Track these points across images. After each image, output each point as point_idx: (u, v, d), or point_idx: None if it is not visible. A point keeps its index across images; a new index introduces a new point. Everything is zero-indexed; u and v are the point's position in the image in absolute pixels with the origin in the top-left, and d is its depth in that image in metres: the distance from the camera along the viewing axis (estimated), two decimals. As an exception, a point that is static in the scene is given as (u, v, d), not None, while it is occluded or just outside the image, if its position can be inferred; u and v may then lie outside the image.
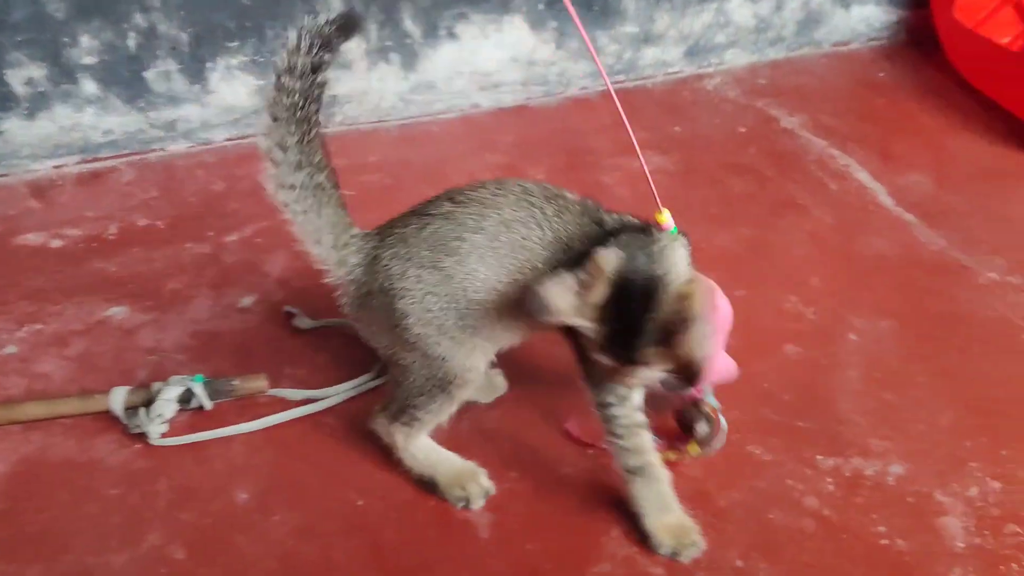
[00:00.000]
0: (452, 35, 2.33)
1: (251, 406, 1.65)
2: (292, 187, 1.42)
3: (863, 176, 2.27)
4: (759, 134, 2.44)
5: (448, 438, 1.55)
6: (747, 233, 2.07)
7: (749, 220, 2.12)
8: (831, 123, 2.49)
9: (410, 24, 2.27)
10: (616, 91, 2.53)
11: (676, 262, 1.33)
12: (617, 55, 2.57)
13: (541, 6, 2.39)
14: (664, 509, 1.45)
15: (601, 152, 2.34)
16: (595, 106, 2.53)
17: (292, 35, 1.34)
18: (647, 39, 2.58)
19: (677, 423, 1.59)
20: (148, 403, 1.61)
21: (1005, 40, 2.94)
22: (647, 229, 1.43)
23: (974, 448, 1.60)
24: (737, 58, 2.76)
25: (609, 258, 1.28)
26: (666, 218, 1.45)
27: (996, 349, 1.81)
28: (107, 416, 1.62)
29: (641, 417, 1.45)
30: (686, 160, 2.33)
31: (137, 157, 2.29)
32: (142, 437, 1.59)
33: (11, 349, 1.78)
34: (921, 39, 2.95)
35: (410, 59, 2.32)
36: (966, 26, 2.79)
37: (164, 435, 1.59)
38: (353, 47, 2.24)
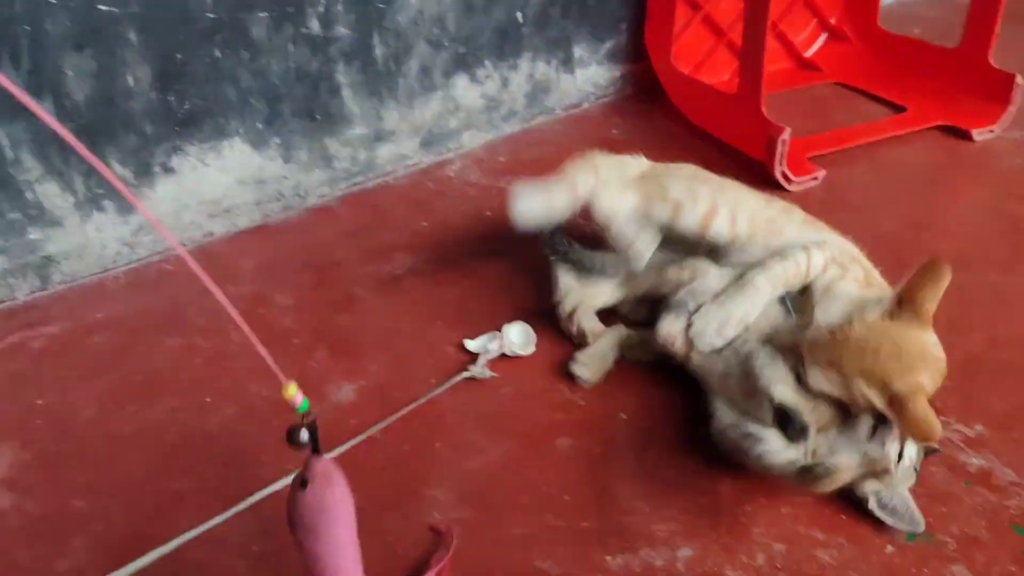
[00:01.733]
0: (168, 170, 2.20)
1: None
2: None
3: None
4: (506, 216, 2.41)
5: None
6: (504, 322, 2.02)
7: (506, 308, 2.08)
8: (574, 191, 2.50)
9: (119, 168, 2.12)
10: (358, 191, 2.52)
11: None
12: (351, 158, 2.50)
13: (259, 124, 2.29)
14: None
15: (350, 262, 2.26)
16: (337, 214, 2.45)
17: None
18: (379, 137, 2.53)
19: None
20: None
21: (724, 78, 3.08)
22: None
23: (755, 512, 1.60)
24: (474, 139, 2.75)
25: None
26: (292, 393, 1.31)
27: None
28: None
29: None
30: (437, 255, 2.28)
31: None
32: None
33: None
34: (647, 89, 3.04)
35: (126, 202, 2.17)
36: (684, 73, 2.90)
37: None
38: (60, 203, 2.08)
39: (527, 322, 2.00)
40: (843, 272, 1.76)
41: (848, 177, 2.60)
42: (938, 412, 1.75)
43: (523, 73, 2.77)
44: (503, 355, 1.93)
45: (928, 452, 1.64)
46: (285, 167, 2.39)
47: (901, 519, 1.55)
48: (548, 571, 1.51)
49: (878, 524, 1.57)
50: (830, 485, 1.52)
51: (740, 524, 1.59)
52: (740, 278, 1.76)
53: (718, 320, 1.74)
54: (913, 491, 1.61)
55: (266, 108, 2.29)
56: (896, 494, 1.56)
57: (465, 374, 1.88)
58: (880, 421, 1.55)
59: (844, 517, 1.59)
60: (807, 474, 1.52)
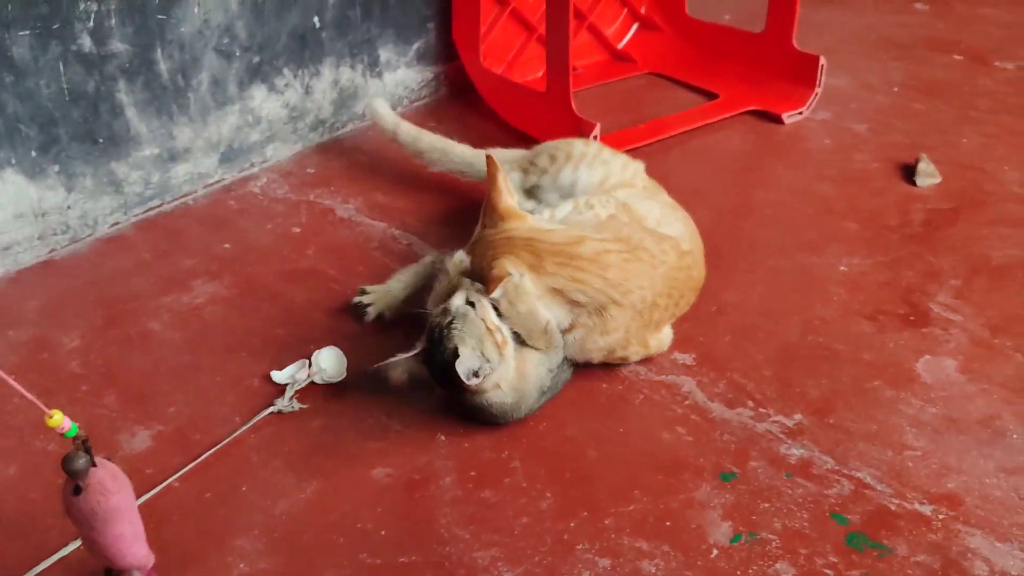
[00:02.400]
0: (-73, 210, 1.99)
1: None
2: None
3: (432, 254, 2.18)
4: (316, 230, 2.31)
5: None
6: (314, 347, 1.90)
7: (315, 332, 1.97)
8: (386, 202, 2.41)
9: None
10: (155, 216, 2.35)
11: None
12: (144, 181, 2.33)
13: (34, 152, 2.10)
14: None
15: (146, 295, 2.09)
16: (131, 242, 2.28)
17: None
18: (173, 157, 2.37)
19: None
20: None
21: (538, 75, 3.04)
22: None
23: (578, 528, 1.55)
24: (280, 152, 2.61)
25: None
26: (58, 421, 1.29)
27: (587, 414, 1.78)
28: None
29: None
30: (241, 280, 2.14)
31: None
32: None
33: None
34: (462, 90, 2.97)
35: None
36: (493, 72, 2.83)
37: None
38: None
39: (338, 345, 1.88)
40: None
41: (664, 168, 2.57)
42: (757, 404, 1.75)
43: (327, 80, 2.65)
44: (312, 383, 1.82)
45: None
46: (68, 196, 2.20)
47: None
48: (363, 616, 1.42)
49: (702, 528, 1.54)
50: None
51: (563, 542, 1.52)
52: None
53: None
54: (734, 489, 1.59)
55: (39, 134, 2.10)
56: None
57: (272, 409, 1.76)
58: None
59: (668, 524, 1.55)
60: None
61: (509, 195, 1.78)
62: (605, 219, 1.87)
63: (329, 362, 1.84)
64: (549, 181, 2.05)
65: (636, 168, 2.12)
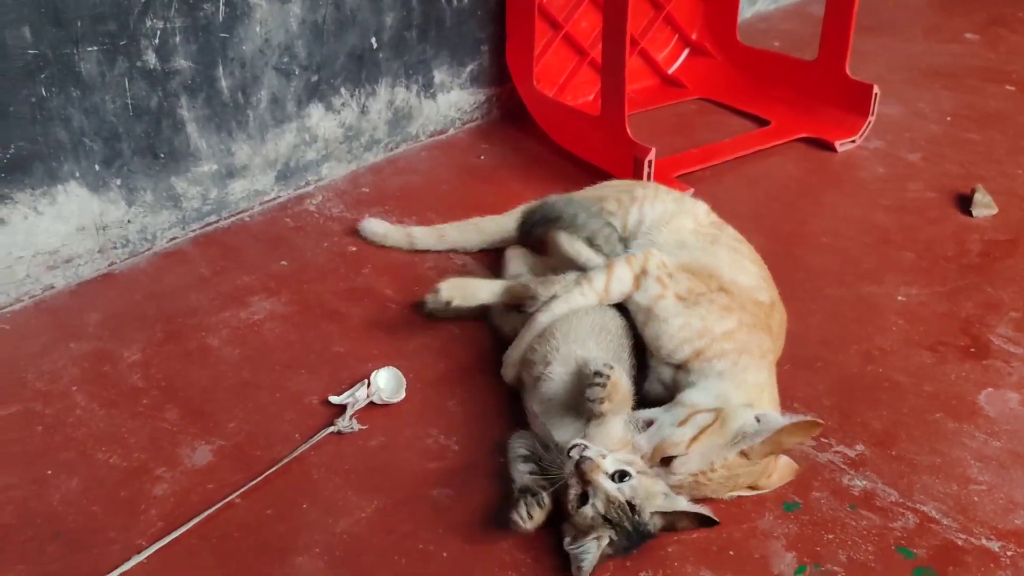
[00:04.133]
0: (-4, 221, 2.02)
1: None
2: None
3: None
4: (371, 250, 2.31)
5: None
6: (372, 366, 1.90)
7: (373, 350, 1.97)
8: (440, 221, 2.41)
9: (-63, 221, 1.94)
10: (212, 232, 2.37)
11: None
12: (202, 197, 2.35)
13: (97, 166, 2.12)
14: None
15: (204, 310, 2.11)
16: (189, 257, 2.30)
17: None
18: (231, 173, 2.39)
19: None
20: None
21: (589, 98, 3.04)
22: None
23: (641, 555, 1.53)
24: (335, 170, 2.63)
25: None
26: None
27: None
28: None
29: None
30: (299, 297, 2.15)
31: None
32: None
33: None
34: (513, 112, 2.98)
35: (-51, 256, 1.99)
36: (547, 95, 2.84)
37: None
38: None
39: (396, 366, 1.88)
40: (663, 289, 1.77)
41: (717, 194, 2.56)
42: (820, 434, 1.73)
43: (382, 100, 2.67)
44: (371, 403, 1.82)
45: (701, 522, 1.52)
46: (129, 210, 2.22)
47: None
48: (427, 639, 1.41)
49: (765, 558, 1.52)
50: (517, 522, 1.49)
51: (626, 568, 1.52)
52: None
53: (510, 357, 1.84)
54: (797, 519, 1.58)
55: (103, 148, 2.13)
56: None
57: (331, 429, 1.76)
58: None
59: (731, 553, 1.54)
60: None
61: None
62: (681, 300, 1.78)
63: (388, 383, 1.84)
64: (619, 223, 2.01)
65: (696, 205, 2.08)
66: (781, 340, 1.86)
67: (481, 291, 1.92)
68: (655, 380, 1.76)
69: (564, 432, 1.60)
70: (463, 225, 2.29)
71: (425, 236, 2.30)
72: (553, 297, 1.81)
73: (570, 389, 1.64)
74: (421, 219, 2.44)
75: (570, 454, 1.50)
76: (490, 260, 2.25)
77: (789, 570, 1.51)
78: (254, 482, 1.65)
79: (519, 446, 1.66)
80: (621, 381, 1.55)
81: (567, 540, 1.50)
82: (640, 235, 1.97)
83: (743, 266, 1.89)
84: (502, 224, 2.24)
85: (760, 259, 1.97)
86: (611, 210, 2.02)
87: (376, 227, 2.33)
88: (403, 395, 1.84)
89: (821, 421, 1.60)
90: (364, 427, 1.77)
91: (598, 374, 1.52)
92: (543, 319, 1.79)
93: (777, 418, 1.58)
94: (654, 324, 1.75)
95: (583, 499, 1.47)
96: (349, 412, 1.78)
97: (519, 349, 1.81)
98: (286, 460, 1.69)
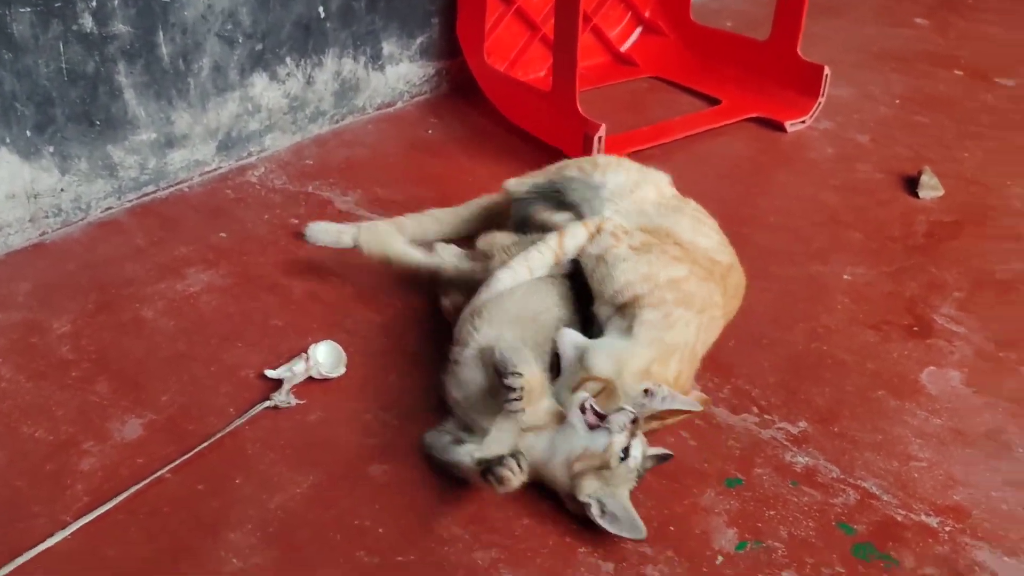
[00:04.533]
0: (-81, 186, 1.94)
1: None
2: None
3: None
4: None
5: None
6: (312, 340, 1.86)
7: (313, 323, 1.93)
8: (385, 195, 2.37)
9: None
10: (149, 202, 2.31)
11: None
12: (140, 166, 2.28)
13: (29, 132, 2.05)
14: None
15: (139, 281, 2.05)
16: (125, 227, 2.23)
17: None
18: (170, 142, 2.32)
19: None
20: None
21: (540, 74, 3.01)
22: None
23: (580, 529, 1.51)
24: (278, 142, 2.57)
25: None
26: None
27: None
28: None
29: None
30: (238, 270, 2.09)
31: None
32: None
33: None
34: (463, 86, 2.93)
35: None
36: (498, 70, 2.80)
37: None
38: None
39: (337, 340, 1.84)
40: (616, 241, 1.78)
41: (667, 172, 2.55)
42: (762, 411, 1.72)
43: (329, 71, 2.61)
44: (310, 378, 1.78)
45: (661, 459, 1.58)
46: (62, 178, 2.15)
47: (622, 526, 1.47)
48: (359, 617, 1.38)
49: (706, 534, 1.51)
50: (509, 479, 1.43)
51: (565, 544, 1.49)
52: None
53: (469, 310, 1.77)
54: (738, 495, 1.57)
55: (35, 113, 2.06)
56: (616, 499, 1.48)
57: (267, 403, 1.71)
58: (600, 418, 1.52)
59: (672, 529, 1.52)
60: (486, 469, 1.45)
61: None
62: (639, 246, 1.79)
63: (327, 356, 1.80)
64: (581, 186, 1.98)
65: (660, 176, 2.06)
66: (737, 302, 1.86)
67: (395, 244, 1.94)
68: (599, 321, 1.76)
69: (488, 416, 1.57)
70: (420, 217, 2.18)
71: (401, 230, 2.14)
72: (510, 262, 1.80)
73: (485, 375, 1.61)
74: (366, 192, 2.40)
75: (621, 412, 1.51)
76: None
77: (730, 546, 1.49)
78: (186, 456, 1.60)
79: (443, 438, 1.62)
80: (533, 381, 1.52)
81: (596, 510, 1.47)
82: (606, 198, 1.95)
83: (704, 231, 1.89)
84: (460, 215, 2.19)
85: (722, 233, 1.96)
86: (572, 176, 2.00)
87: (326, 230, 2.03)
88: (343, 370, 1.80)
89: (702, 407, 1.64)
90: (302, 402, 1.73)
91: (510, 388, 1.49)
92: (504, 276, 1.76)
93: (664, 395, 1.58)
94: (602, 268, 1.75)
95: (625, 452, 1.48)
96: (286, 386, 1.74)
97: (477, 304, 1.77)
98: (220, 435, 1.65)
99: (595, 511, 1.47)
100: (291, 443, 1.65)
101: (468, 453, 1.54)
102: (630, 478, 1.50)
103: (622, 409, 1.52)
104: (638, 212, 1.90)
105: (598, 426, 1.51)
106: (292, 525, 1.50)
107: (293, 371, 1.76)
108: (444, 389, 1.68)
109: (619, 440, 1.48)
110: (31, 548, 1.44)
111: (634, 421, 1.51)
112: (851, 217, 2.42)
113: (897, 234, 2.35)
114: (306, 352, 1.79)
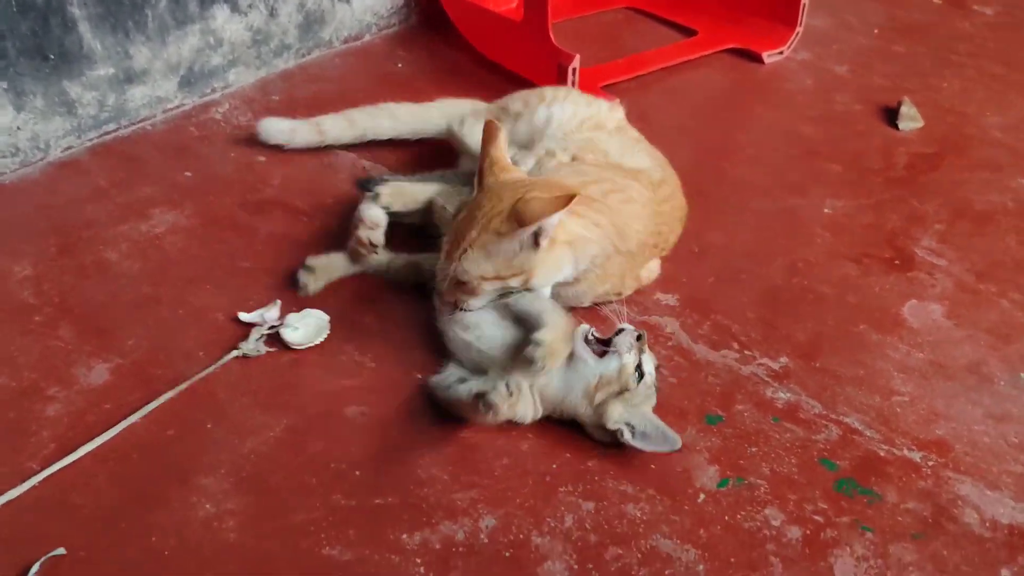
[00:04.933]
0: None
1: None
2: None
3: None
4: (280, 160, 2.19)
5: None
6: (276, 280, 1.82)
7: (280, 263, 1.87)
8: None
9: None
10: (110, 141, 2.22)
11: None
12: (99, 103, 2.20)
13: (-23, 68, 1.96)
14: None
15: (101, 223, 1.98)
16: (86, 168, 2.15)
17: None
18: (129, 78, 2.23)
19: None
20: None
21: (512, 5, 2.93)
22: None
23: (560, 470, 1.50)
24: (243, 77, 2.48)
25: None
26: None
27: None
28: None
29: None
30: (203, 210, 2.03)
31: None
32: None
33: None
34: (433, 18, 2.84)
35: None
36: (468, 0, 2.72)
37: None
38: None
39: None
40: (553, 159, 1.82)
41: (643, 105, 2.50)
42: (742, 347, 1.70)
43: (293, 2, 2.51)
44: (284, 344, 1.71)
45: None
46: (17, 116, 2.06)
47: (655, 441, 1.48)
48: (337, 558, 1.35)
49: (688, 472, 1.49)
50: (502, 406, 1.44)
51: (545, 484, 1.47)
52: None
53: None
54: (720, 432, 1.55)
55: (-15, 48, 1.97)
56: (644, 417, 1.49)
57: (236, 352, 1.66)
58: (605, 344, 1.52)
59: (653, 467, 1.50)
60: (478, 395, 1.45)
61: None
62: (568, 162, 1.79)
63: (307, 326, 1.73)
64: (524, 125, 1.95)
65: (608, 108, 2.03)
66: (673, 227, 1.85)
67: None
68: None
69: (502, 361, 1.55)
70: (375, 111, 2.18)
71: (334, 124, 2.18)
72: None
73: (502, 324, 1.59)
74: (335, 129, 2.32)
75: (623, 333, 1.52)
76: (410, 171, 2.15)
77: (712, 483, 1.48)
78: (156, 403, 1.56)
79: (449, 378, 1.59)
80: (557, 342, 1.49)
81: (627, 434, 1.48)
82: (547, 137, 1.91)
83: (636, 154, 1.87)
84: (418, 114, 2.16)
85: (665, 161, 1.94)
86: (517, 110, 1.96)
87: (279, 125, 2.17)
88: (324, 337, 1.73)
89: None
90: (271, 350, 1.68)
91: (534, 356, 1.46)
92: None
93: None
94: None
95: (640, 371, 1.50)
96: (254, 334, 1.68)
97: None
98: (189, 383, 1.60)
99: (627, 435, 1.47)
100: (263, 386, 1.61)
101: (468, 390, 1.51)
102: (650, 394, 1.51)
103: (622, 330, 1.51)
104: (582, 143, 1.87)
105: (605, 352, 1.50)
106: (266, 469, 1.47)
107: (264, 317, 1.71)
108: (444, 331, 1.64)
109: (630, 360, 1.49)
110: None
111: (639, 337, 1.51)
112: (830, 149, 2.39)
113: (877, 166, 2.32)
114: (277, 300, 1.74)
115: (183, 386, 1.59)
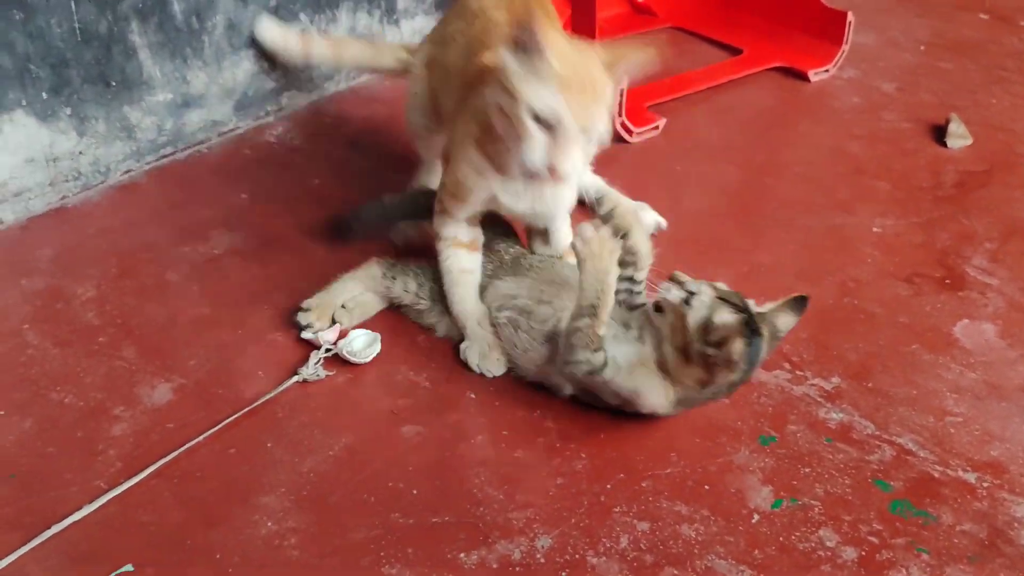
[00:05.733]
0: (-60, 152, 1.92)
1: None
2: None
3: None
4: (337, 183, 2.23)
5: None
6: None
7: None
8: (407, 153, 2.33)
9: None
10: (168, 164, 2.28)
11: None
12: (157, 127, 2.26)
13: (45, 95, 2.02)
14: None
15: (161, 245, 2.03)
16: (145, 190, 2.21)
17: None
18: (187, 103, 2.29)
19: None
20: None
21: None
22: None
23: (615, 490, 1.51)
24: (295, 100, 2.53)
25: None
26: None
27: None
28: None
29: None
30: (260, 231, 2.07)
31: None
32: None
33: None
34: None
35: None
36: (516, 22, 2.74)
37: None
38: None
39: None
40: None
41: (689, 124, 2.52)
42: (794, 367, 1.71)
43: (343, 26, 2.56)
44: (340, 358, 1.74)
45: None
46: (80, 141, 2.13)
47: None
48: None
49: (741, 492, 1.50)
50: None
51: (600, 504, 1.48)
52: None
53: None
54: (773, 453, 1.56)
55: (51, 75, 2.03)
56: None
57: (295, 378, 1.69)
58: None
59: (707, 488, 1.51)
60: None
61: None
62: None
63: (360, 343, 1.76)
64: None
65: None
66: None
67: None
68: None
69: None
70: (362, 44, 2.39)
71: (323, 50, 2.35)
72: None
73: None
74: (388, 151, 2.36)
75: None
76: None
77: (765, 504, 1.49)
78: (218, 427, 1.59)
79: None
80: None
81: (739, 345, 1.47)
82: None
83: None
84: (398, 55, 2.24)
85: None
86: None
87: (273, 32, 2.36)
88: (378, 351, 1.76)
89: None
90: (331, 373, 1.71)
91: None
92: None
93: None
94: None
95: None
96: (313, 359, 1.71)
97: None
98: (251, 407, 1.63)
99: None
100: (321, 406, 1.65)
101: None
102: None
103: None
104: None
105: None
106: (325, 488, 1.50)
107: (324, 339, 1.74)
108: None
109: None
110: (66, 516, 1.43)
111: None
112: (877, 167, 2.39)
113: (926, 184, 2.31)
114: (337, 323, 1.77)
115: (245, 410, 1.62)
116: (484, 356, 1.70)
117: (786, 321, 1.53)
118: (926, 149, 2.47)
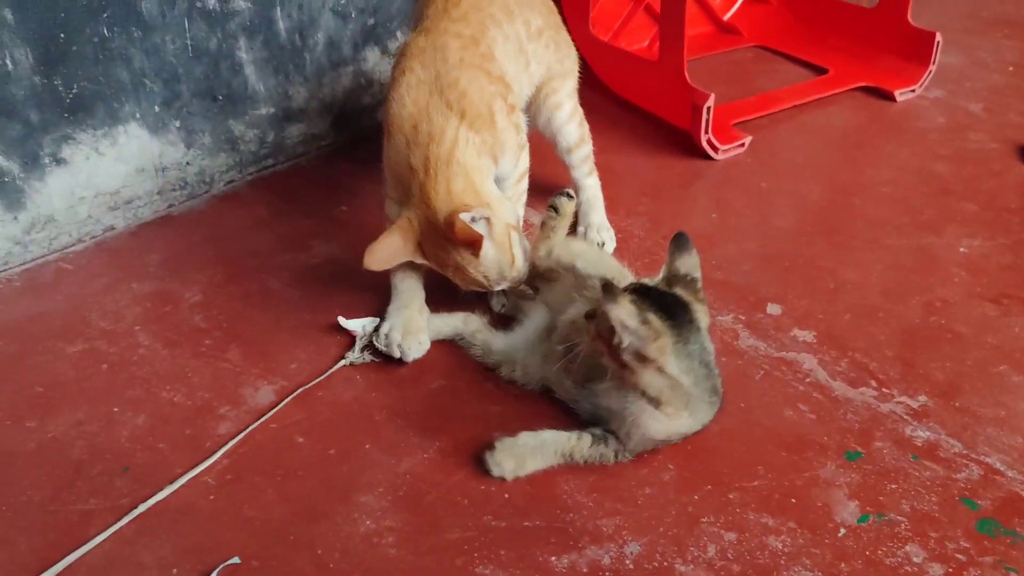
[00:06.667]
0: (59, 160, 2.03)
1: None
2: None
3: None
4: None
5: None
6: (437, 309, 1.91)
7: (438, 294, 1.97)
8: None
9: (2, 160, 1.95)
10: (269, 175, 2.38)
11: None
12: (259, 140, 2.36)
13: (157, 108, 2.13)
14: None
15: (264, 252, 2.12)
16: (247, 200, 2.30)
17: None
18: (288, 117, 2.39)
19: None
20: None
21: (644, 44, 3.00)
22: None
23: (702, 501, 1.54)
24: (389, 115, 2.61)
25: None
26: None
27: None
28: None
29: None
30: (360, 242, 2.08)
31: None
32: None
33: None
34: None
35: (14, 197, 2.00)
36: (603, 40, 2.80)
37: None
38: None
39: (455, 310, 1.90)
40: None
41: (774, 142, 2.54)
42: (880, 384, 1.72)
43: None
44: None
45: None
46: (187, 152, 2.24)
47: None
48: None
49: (828, 507, 1.52)
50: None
51: (687, 514, 1.52)
52: None
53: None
54: (859, 468, 1.58)
55: (163, 89, 2.14)
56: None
57: (343, 362, 1.81)
58: None
59: (794, 501, 1.54)
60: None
61: None
62: None
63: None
64: None
65: None
66: None
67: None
68: None
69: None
70: None
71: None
72: None
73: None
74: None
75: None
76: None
77: (852, 518, 1.51)
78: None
79: None
80: None
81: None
82: None
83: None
84: None
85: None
86: None
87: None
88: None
89: None
90: (376, 360, 1.81)
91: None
92: None
93: None
94: None
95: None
96: (359, 344, 1.83)
97: None
98: (303, 389, 1.71)
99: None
100: (416, 410, 1.71)
101: None
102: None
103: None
104: None
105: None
106: (420, 489, 1.56)
107: (365, 328, 1.84)
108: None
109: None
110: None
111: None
112: (964, 188, 2.38)
113: (1014, 205, 2.31)
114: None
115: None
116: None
117: (685, 262, 1.56)
118: (1014, 170, 2.46)
